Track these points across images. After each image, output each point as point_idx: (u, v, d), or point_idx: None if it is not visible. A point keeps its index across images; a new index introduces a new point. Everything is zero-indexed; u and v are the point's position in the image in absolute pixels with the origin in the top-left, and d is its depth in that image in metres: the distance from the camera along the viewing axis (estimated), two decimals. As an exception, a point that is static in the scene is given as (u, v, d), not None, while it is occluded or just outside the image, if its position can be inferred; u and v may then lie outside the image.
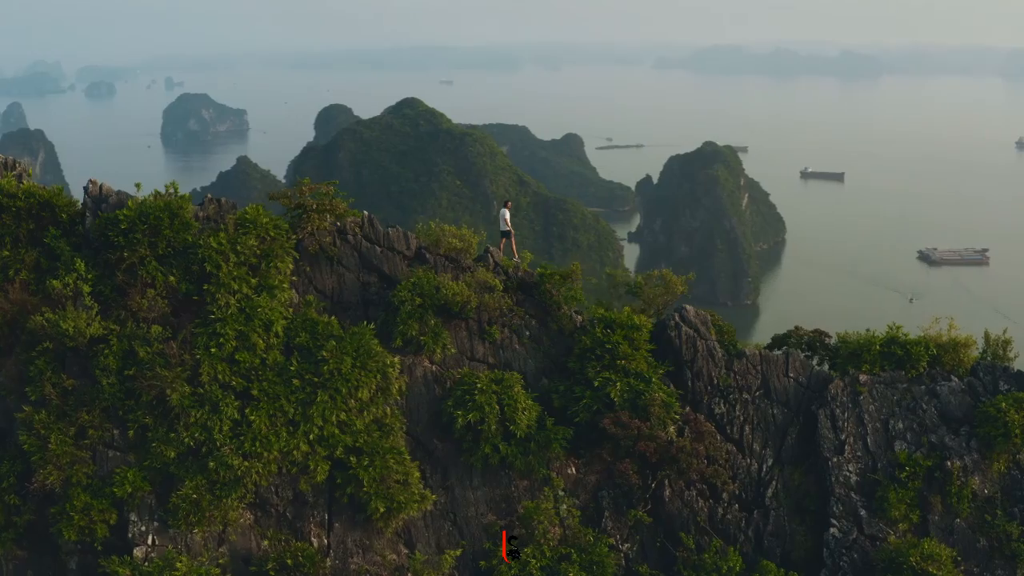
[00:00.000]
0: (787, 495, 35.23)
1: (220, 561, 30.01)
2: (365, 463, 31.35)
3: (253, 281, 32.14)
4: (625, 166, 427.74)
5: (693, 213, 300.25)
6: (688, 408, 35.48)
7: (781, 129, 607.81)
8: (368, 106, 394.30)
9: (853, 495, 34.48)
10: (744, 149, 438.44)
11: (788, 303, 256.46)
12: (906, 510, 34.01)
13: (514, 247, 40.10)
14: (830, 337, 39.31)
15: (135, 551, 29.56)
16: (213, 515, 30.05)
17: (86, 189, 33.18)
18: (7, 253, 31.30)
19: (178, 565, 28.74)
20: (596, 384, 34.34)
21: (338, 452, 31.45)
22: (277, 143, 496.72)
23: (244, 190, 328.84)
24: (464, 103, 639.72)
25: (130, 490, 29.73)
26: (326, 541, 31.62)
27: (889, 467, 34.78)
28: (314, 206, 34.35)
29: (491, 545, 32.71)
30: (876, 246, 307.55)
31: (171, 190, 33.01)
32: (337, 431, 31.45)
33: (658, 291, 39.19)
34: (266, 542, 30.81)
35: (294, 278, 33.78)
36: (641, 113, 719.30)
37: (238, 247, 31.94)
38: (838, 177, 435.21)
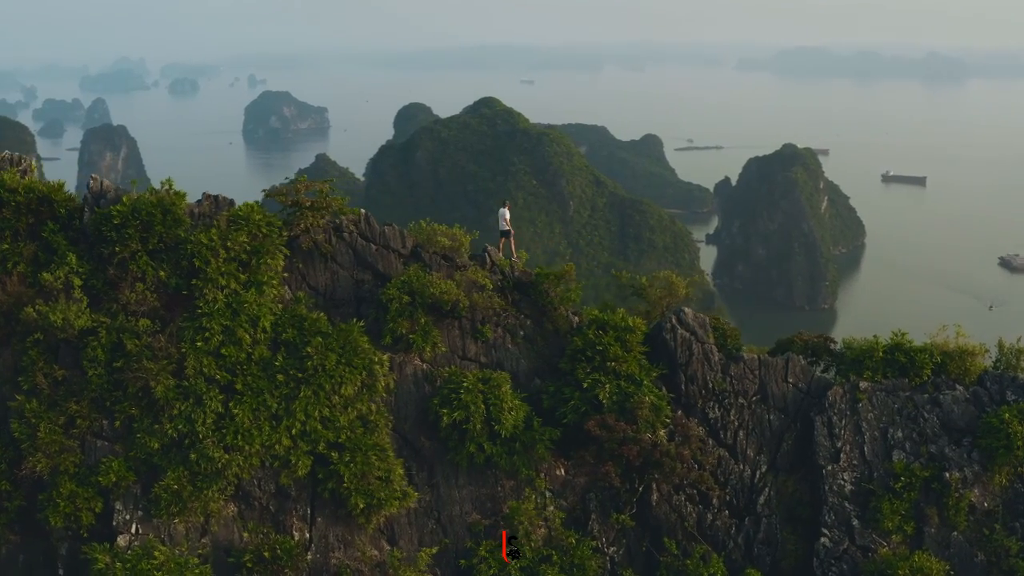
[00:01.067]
0: (780, 502, 34.66)
1: (200, 552, 30.50)
2: (346, 459, 31.63)
3: (243, 277, 32.64)
4: (704, 167, 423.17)
5: (771, 215, 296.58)
6: (680, 412, 35.10)
7: (863, 132, 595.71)
8: (448, 105, 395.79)
9: (847, 504, 33.78)
10: (825, 152, 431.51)
11: (866, 308, 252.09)
12: (900, 521, 33.22)
13: (513, 247, 40.03)
14: (835, 343, 38.55)
15: (119, 539, 30.20)
16: (194, 506, 30.55)
17: (88, 186, 34.02)
18: (7, 246, 32.18)
19: (156, 554, 29.22)
20: (585, 386, 34.15)
21: (320, 447, 31.75)
22: (357, 141, 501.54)
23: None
24: (545, 103, 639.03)
25: (114, 479, 30.37)
26: (308, 535, 31.95)
27: (886, 477, 34.01)
28: (308, 204, 34.72)
29: (472, 544, 32.75)
30: (957, 251, 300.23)
31: (166, 187, 33.64)
32: (319, 426, 31.74)
33: (661, 293, 38.77)
34: (246, 534, 31.26)
35: (285, 275, 34.21)
36: (722, 114, 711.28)
37: (228, 243, 32.43)
38: (920, 181, 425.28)
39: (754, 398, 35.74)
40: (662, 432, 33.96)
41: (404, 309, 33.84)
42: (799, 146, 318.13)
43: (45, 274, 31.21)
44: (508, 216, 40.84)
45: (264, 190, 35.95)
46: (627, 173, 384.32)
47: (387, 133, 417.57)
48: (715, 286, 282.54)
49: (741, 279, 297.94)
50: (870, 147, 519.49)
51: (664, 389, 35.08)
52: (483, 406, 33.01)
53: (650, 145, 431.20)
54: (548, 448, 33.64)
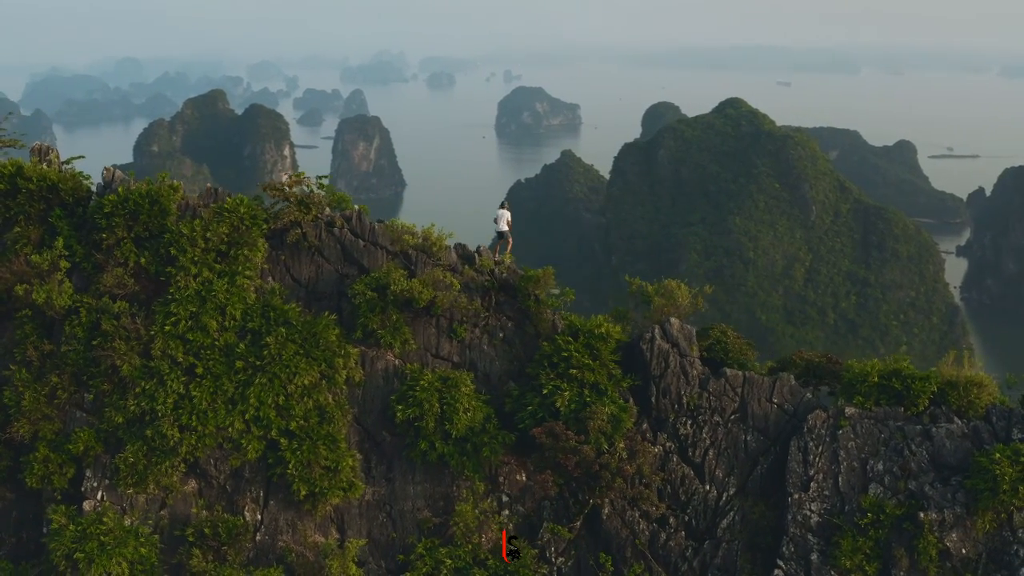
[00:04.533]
0: (744, 528, 32.83)
1: (150, 521, 32.39)
2: (294, 446, 32.69)
3: (218, 267, 34.28)
4: (959, 176, 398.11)
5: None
6: (646, 426, 33.91)
7: None
8: (699, 105, 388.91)
9: (810, 537, 31.58)
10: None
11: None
12: (862, 560, 30.72)
13: (509, 248, 39.63)
14: (839, 364, 35.96)
15: (84, 504, 32.60)
16: (150, 480, 32.53)
17: (102, 175, 36.73)
18: (18, 229, 35.31)
19: (105, 520, 31.36)
20: (545, 392, 33.61)
21: (273, 433, 32.96)
22: (606, 138, 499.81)
23: (566, 183, 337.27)
24: (799, 105, 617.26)
25: (83, 448, 32.76)
26: (259, 516, 33.24)
27: (859, 511, 31.53)
28: (294, 199, 35.93)
29: (414, 539, 33.03)
30: None
31: (162, 179, 35.81)
32: (273, 413, 32.94)
33: (663, 303, 37.41)
34: (195, 509, 32.92)
35: (266, 266, 35.58)
36: (981, 122, 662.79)
37: (208, 234, 34.17)
38: None
39: (732, 417, 33.98)
40: (621, 445, 32.93)
41: (374, 305, 34.46)
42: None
43: (34, 256, 34.01)
44: (508, 217, 40.49)
45: (260, 184, 37.46)
46: (878, 179, 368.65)
47: (636, 131, 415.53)
48: (961, 300, 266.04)
49: (990, 294, 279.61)
50: None
51: (632, 401, 33.99)
52: (437, 405, 33.20)
53: (903, 151, 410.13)
54: (497, 452, 33.37)
